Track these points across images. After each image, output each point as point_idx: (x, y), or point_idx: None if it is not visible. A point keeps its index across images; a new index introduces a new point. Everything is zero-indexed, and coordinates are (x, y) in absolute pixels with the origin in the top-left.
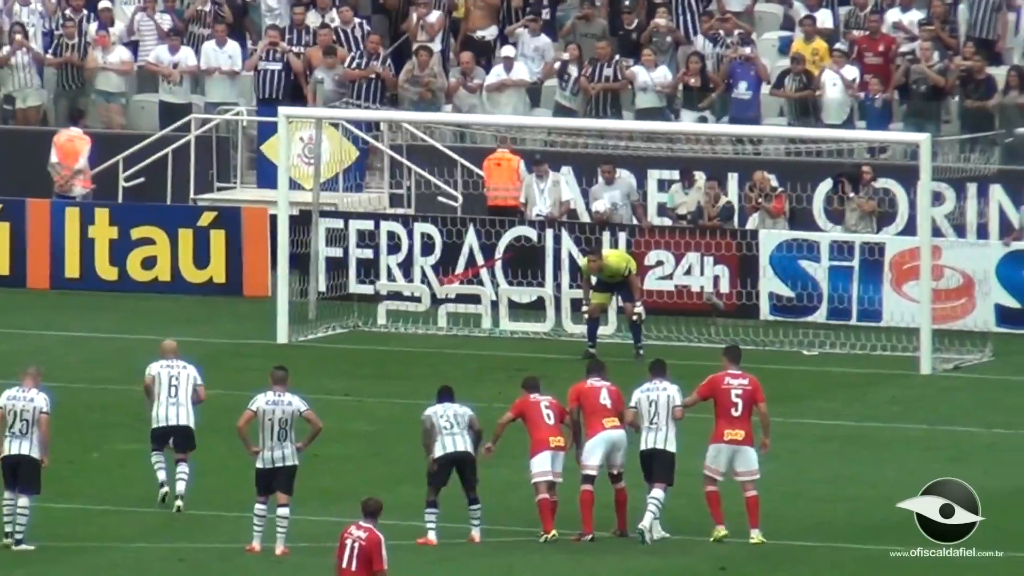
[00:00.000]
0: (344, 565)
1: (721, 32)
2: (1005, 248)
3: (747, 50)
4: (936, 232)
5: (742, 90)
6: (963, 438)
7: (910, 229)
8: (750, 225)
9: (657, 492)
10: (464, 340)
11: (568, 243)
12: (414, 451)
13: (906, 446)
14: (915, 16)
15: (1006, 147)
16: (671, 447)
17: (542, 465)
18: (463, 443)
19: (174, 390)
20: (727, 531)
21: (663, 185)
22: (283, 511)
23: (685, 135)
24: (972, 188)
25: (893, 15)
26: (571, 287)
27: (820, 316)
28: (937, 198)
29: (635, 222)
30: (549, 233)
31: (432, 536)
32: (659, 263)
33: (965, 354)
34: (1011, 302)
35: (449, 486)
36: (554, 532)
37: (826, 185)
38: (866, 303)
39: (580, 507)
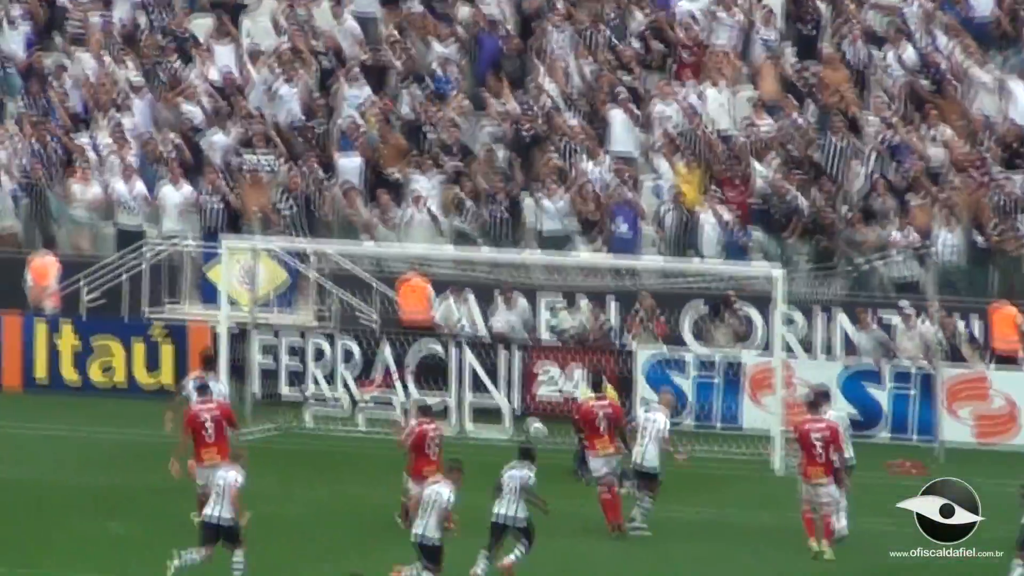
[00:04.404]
0: None
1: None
2: (846, 366)
3: (627, 193)
4: (788, 351)
5: (622, 228)
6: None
7: (766, 348)
8: (628, 344)
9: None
10: (380, 440)
11: (470, 357)
12: (339, 535)
13: (761, 534)
14: (776, 162)
15: (848, 278)
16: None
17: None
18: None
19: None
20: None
21: (551, 308)
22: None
23: (574, 266)
24: (819, 313)
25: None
26: (472, 395)
27: (688, 423)
28: (789, 322)
29: (529, 341)
30: (454, 349)
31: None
32: (549, 376)
33: None
34: (852, 412)
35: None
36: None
37: (694, 309)
38: (727, 412)
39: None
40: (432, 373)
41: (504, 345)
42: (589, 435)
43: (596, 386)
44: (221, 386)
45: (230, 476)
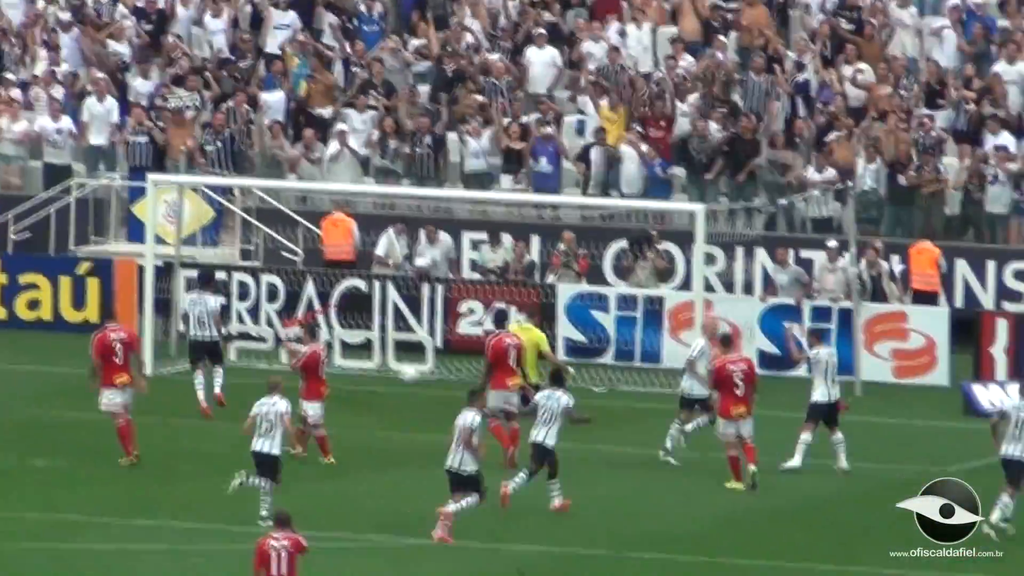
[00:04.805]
0: (275, 574)
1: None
2: (765, 303)
3: (548, 129)
4: (708, 288)
5: (544, 165)
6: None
7: (686, 285)
8: (550, 280)
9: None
10: None
11: (392, 293)
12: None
13: (680, 469)
14: (697, 100)
15: (768, 216)
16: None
17: None
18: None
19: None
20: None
21: (475, 245)
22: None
23: (496, 203)
24: (740, 251)
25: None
26: (395, 331)
27: (608, 358)
28: (710, 259)
29: (451, 277)
30: (377, 285)
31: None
32: (471, 312)
33: None
34: (772, 349)
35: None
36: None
37: (616, 246)
38: (648, 347)
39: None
40: (355, 309)
41: (427, 281)
42: (498, 369)
43: (499, 323)
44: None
45: (279, 406)
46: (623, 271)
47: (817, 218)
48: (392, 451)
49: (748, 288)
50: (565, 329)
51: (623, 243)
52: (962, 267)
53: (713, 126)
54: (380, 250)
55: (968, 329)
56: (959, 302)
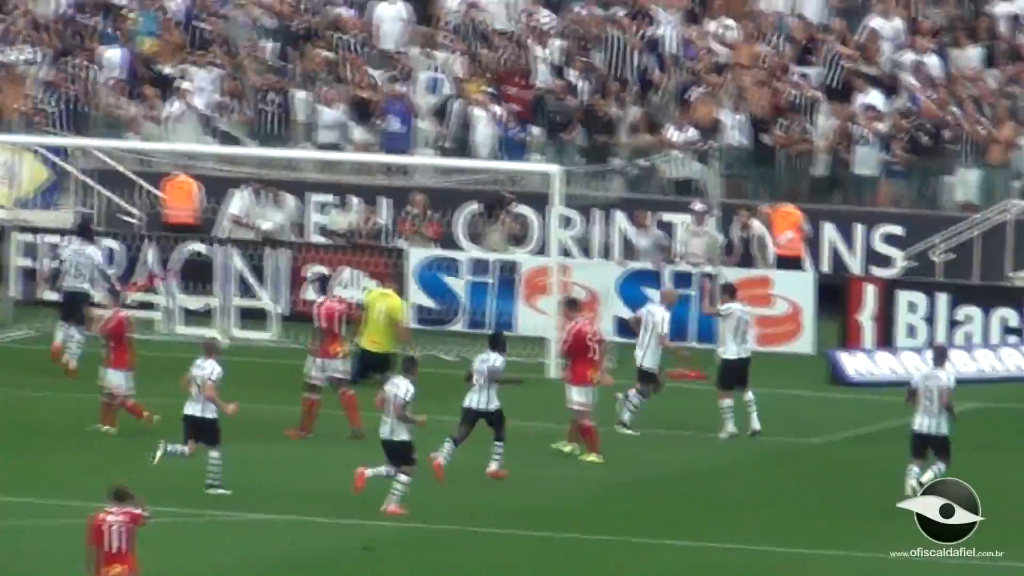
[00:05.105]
0: (110, 548)
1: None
2: (625, 268)
3: (398, 87)
4: (565, 253)
5: (394, 124)
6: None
7: (542, 250)
8: (401, 244)
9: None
10: (142, 343)
11: (235, 258)
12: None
13: (535, 440)
14: (556, 57)
15: (627, 178)
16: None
17: None
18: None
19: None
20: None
21: (322, 207)
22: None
23: (348, 163)
24: (598, 214)
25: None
26: (238, 297)
27: (460, 326)
28: (567, 222)
29: (297, 241)
30: (219, 250)
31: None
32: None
33: None
34: (630, 315)
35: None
36: None
37: (469, 209)
38: (501, 315)
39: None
40: (197, 275)
41: (271, 245)
42: (327, 336)
43: (322, 289)
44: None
45: (207, 370)
46: (476, 235)
47: (679, 180)
48: (233, 422)
49: (606, 253)
50: (415, 295)
51: (476, 206)
52: (829, 231)
53: (572, 84)
54: (235, 209)
55: (835, 295)
56: (826, 267)
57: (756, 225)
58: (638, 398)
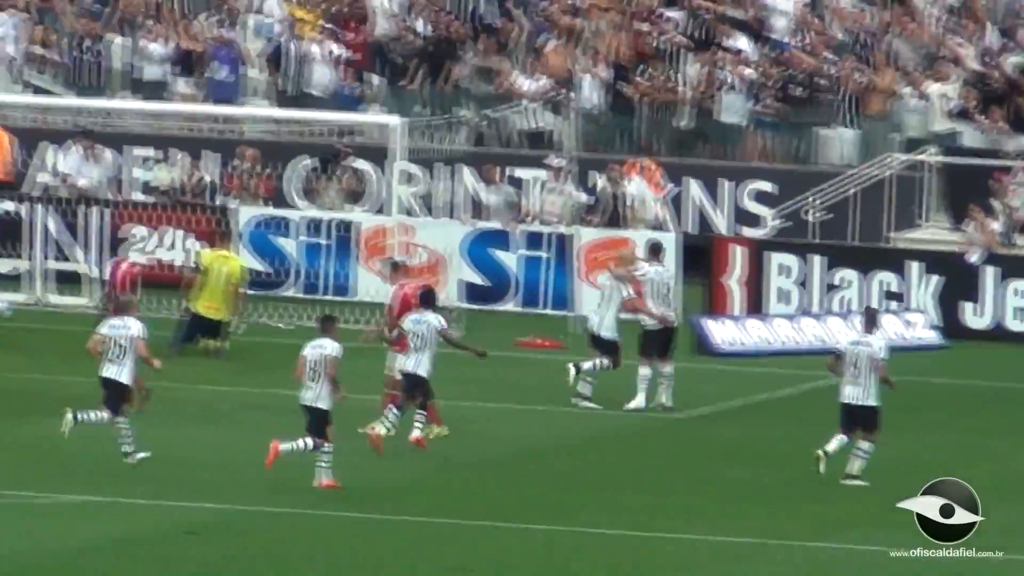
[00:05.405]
0: None
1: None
2: (472, 227)
3: (226, 33)
4: (407, 212)
5: (222, 72)
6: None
7: (382, 208)
8: (229, 202)
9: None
10: None
11: (50, 219)
12: None
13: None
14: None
15: (474, 130)
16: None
17: None
18: None
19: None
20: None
21: (143, 162)
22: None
23: (171, 114)
24: (442, 169)
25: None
26: (52, 260)
27: (293, 291)
28: (409, 178)
29: (114, 198)
30: (31, 208)
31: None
32: (139, 238)
33: None
34: (478, 279)
35: None
36: None
37: (303, 164)
38: (338, 278)
39: None
40: (7, 236)
41: (87, 203)
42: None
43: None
44: None
45: (132, 329)
46: (310, 192)
47: (531, 132)
48: (39, 395)
49: (452, 212)
50: (244, 258)
51: (310, 161)
52: (694, 188)
53: (415, 29)
54: (67, 168)
55: (700, 258)
56: (690, 227)
57: (627, 182)
58: (597, 366)
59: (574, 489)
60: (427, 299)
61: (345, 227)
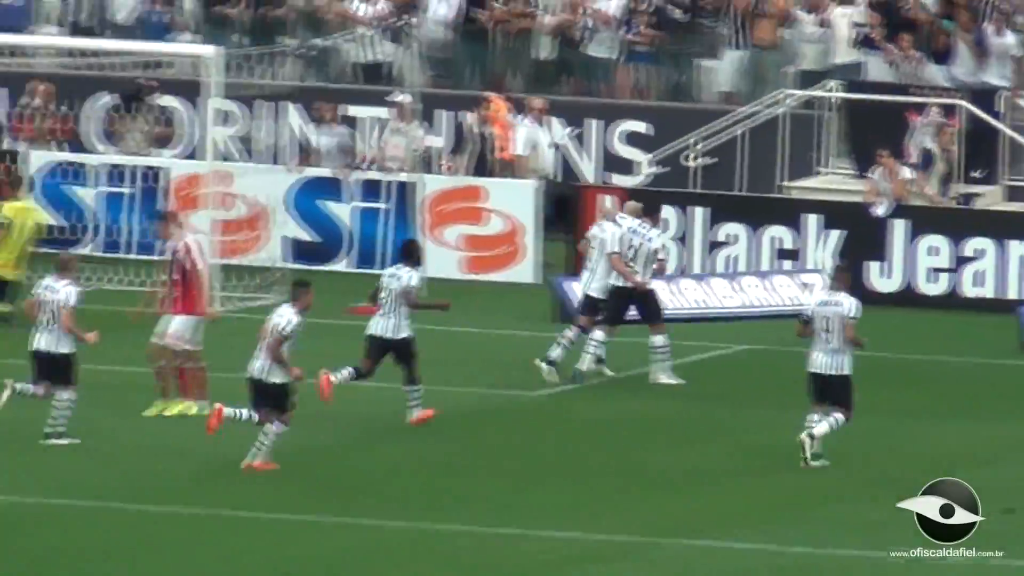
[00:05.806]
0: None
1: None
2: (299, 175)
3: None
4: (224, 157)
5: None
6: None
7: (194, 153)
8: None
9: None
10: None
11: None
12: None
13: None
14: None
15: (302, 62)
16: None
17: None
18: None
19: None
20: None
21: None
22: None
23: None
24: (265, 107)
25: None
26: None
27: (92, 248)
28: (226, 118)
29: None
30: None
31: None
32: None
33: (256, 292)
34: (306, 235)
35: None
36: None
37: (103, 101)
38: (144, 234)
39: None
40: None
41: None
42: None
43: None
44: None
45: (61, 294)
46: (111, 134)
47: (368, 64)
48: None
49: (276, 157)
50: (41, 209)
51: (111, 98)
52: (556, 128)
53: None
54: None
55: (563, 209)
56: (551, 174)
57: (498, 124)
58: (575, 333)
59: (391, 478)
60: (408, 252)
61: (152, 175)
